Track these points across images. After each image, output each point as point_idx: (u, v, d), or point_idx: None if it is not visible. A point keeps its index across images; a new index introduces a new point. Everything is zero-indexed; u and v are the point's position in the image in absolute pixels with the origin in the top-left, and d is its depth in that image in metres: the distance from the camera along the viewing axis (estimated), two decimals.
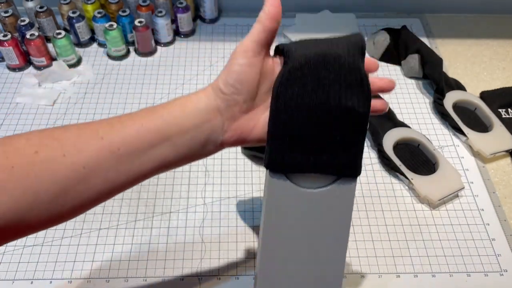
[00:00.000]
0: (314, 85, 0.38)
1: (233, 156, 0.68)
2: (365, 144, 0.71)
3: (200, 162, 0.68)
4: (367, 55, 0.43)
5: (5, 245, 0.58)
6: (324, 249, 0.42)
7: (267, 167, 0.39)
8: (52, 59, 0.82)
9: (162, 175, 0.66)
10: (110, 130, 0.36)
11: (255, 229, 0.60)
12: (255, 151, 0.47)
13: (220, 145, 0.40)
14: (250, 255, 0.58)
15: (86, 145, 0.35)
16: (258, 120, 0.40)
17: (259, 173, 0.67)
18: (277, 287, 0.42)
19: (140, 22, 0.81)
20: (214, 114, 0.38)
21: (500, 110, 0.75)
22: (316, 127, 0.38)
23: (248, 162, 0.68)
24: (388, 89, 0.42)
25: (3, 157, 0.33)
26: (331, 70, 0.38)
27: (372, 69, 0.41)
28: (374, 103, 0.40)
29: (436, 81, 0.76)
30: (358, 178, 0.40)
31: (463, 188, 0.64)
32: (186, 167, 0.68)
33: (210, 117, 0.38)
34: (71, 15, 0.82)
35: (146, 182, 0.65)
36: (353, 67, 0.38)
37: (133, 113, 0.38)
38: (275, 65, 0.40)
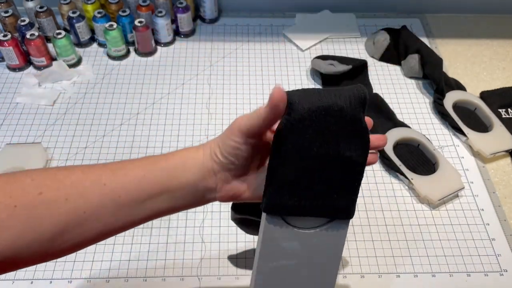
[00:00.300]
0: (315, 135, 0.39)
1: None
2: None
3: None
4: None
5: None
6: (314, 285, 0.44)
7: (264, 210, 0.41)
8: (52, 59, 0.82)
9: None
10: (113, 177, 0.37)
11: None
12: (247, 214, 0.48)
13: (214, 200, 0.42)
14: (250, 255, 0.58)
15: (89, 191, 0.37)
16: (250, 184, 0.41)
17: None
18: None
19: (140, 22, 0.81)
20: (209, 174, 0.40)
21: (500, 110, 0.75)
22: (314, 174, 0.40)
23: None
24: (383, 145, 0.44)
25: (7, 196, 0.34)
26: (332, 122, 0.39)
27: (381, 144, 0.44)
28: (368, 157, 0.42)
29: (436, 81, 0.76)
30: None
31: (463, 188, 0.64)
32: None
33: (206, 176, 0.39)
34: (71, 15, 0.82)
35: None
36: (354, 119, 0.39)
37: (136, 161, 0.40)
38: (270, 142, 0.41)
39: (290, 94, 0.39)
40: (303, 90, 0.40)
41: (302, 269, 0.44)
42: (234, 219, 0.53)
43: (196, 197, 0.41)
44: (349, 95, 0.40)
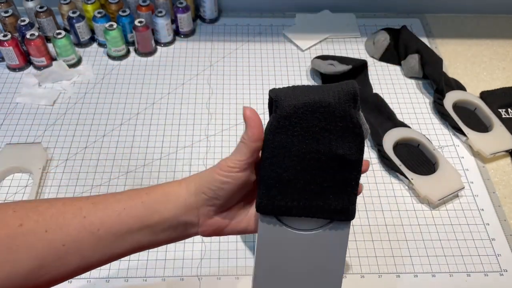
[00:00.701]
0: (303, 133, 0.38)
1: None
2: (365, 144, 0.71)
3: (201, 162, 0.68)
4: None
5: None
6: None
7: (257, 209, 0.40)
8: (52, 59, 0.82)
9: (163, 175, 0.66)
10: (93, 209, 0.37)
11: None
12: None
13: (196, 234, 0.42)
14: (250, 255, 0.58)
15: (68, 223, 0.37)
16: (233, 218, 0.42)
17: None
18: None
19: (140, 22, 0.81)
20: (191, 209, 0.40)
21: (500, 110, 0.75)
22: (305, 173, 0.39)
23: None
24: (364, 170, 0.42)
25: None
26: (320, 118, 0.38)
27: (363, 170, 0.41)
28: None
29: (436, 81, 0.76)
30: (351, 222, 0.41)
31: (463, 188, 0.64)
32: (186, 167, 0.68)
33: (188, 211, 0.40)
34: (71, 15, 0.82)
35: (146, 182, 0.66)
36: (344, 114, 0.38)
37: (117, 194, 0.39)
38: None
39: (277, 91, 0.39)
40: (292, 87, 0.40)
41: (303, 274, 0.42)
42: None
43: (177, 232, 0.40)
44: (338, 91, 0.38)
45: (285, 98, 0.38)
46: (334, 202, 0.40)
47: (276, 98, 0.38)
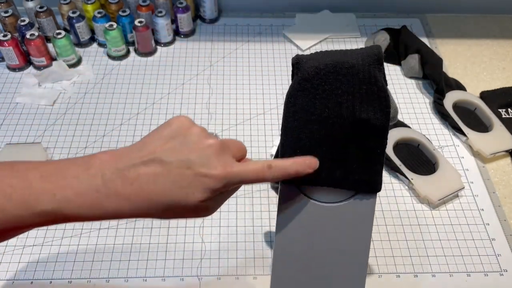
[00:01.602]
0: (325, 96, 0.36)
1: None
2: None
3: None
4: None
5: (5, 245, 0.58)
6: (341, 267, 0.39)
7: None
8: (52, 59, 0.82)
9: None
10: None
11: (255, 229, 0.60)
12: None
13: None
14: (250, 255, 0.58)
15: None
16: None
17: None
18: None
19: (140, 22, 0.81)
20: None
21: (500, 110, 0.75)
22: (328, 139, 0.36)
23: None
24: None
25: None
26: (343, 81, 0.35)
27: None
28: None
29: (436, 81, 0.76)
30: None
31: (463, 188, 0.64)
32: None
33: None
34: (71, 15, 0.82)
35: None
36: (368, 76, 0.35)
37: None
38: None
39: (299, 56, 0.37)
40: (315, 52, 0.38)
41: (325, 250, 0.39)
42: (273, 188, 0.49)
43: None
44: (362, 53, 0.37)
45: (307, 61, 0.36)
46: (359, 171, 0.37)
47: (298, 61, 0.37)
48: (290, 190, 0.38)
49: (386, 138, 0.37)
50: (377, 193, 0.38)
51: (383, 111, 0.36)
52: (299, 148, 0.37)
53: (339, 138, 0.36)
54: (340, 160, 0.37)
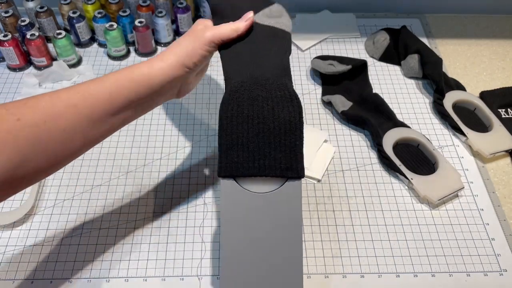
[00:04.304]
0: (250, 102, 0.45)
1: None
2: (365, 144, 0.72)
3: (201, 162, 0.68)
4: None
5: (6, 245, 0.59)
6: (280, 249, 0.45)
7: (218, 175, 0.45)
8: (52, 59, 0.82)
9: (163, 175, 0.66)
10: (82, 99, 0.43)
11: None
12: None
13: (172, 97, 0.53)
14: None
15: (63, 112, 0.41)
16: (198, 76, 0.57)
17: None
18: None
19: (140, 22, 0.81)
20: (174, 80, 0.48)
21: (499, 110, 0.75)
22: (256, 137, 0.45)
23: None
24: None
25: None
26: (262, 89, 0.46)
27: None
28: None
29: (436, 81, 0.76)
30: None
31: (463, 188, 0.64)
32: (187, 167, 0.68)
33: (171, 83, 0.48)
34: (72, 15, 0.82)
35: (146, 182, 0.66)
36: (280, 84, 0.46)
37: (102, 79, 0.45)
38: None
39: (228, 70, 0.48)
40: (239, 63, 0.49)
41: (265, 233, 0.45)
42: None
43: (157, 102, 0.50)
44: (274, 67, 0.48)
45: (233, 77, 0.47)
46: (284, 161, 0.45)
47: (227, 76, 0.48)
48: (229, 184, 0.45)
49: (302, 132, 0.45)
50: (301, 179, 0.46)
51: (296, 111, 0.45)
52: (234, 145, 0.45)
53: (265, 134, 0.45)
54: (268, 152, 0.45)
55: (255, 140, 0.44)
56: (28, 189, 0.64)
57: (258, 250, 0.45)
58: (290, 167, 0.45)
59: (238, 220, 0.45)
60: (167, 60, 0.47)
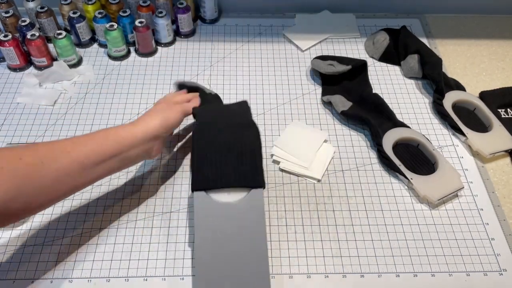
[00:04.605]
0: (217, 128, 0.56)
1: None
2: (365, 144, 0.72)
3: None
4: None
5: (6, 244, 0.59)
6: (247, 250, 0.51)
7: (192, 189, 0.53)
8: (52, 59, 0.82)
9: (163, 175, 0.66)
10: (75, 147, 0.50)
11: None
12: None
13: (150, 158, 0.60)
14: None
15: (59, 156, 0.48)
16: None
17: None
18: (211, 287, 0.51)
19: (140, 22, 0.81)
20: (151, 143, 0.57)
21: (499, 110, 0.75)
22: (224, 156, 0.54)
23: None
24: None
25: None
26: (228, 118, 0.57)
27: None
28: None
29: (436, 81, 0.77)
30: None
31: (463, 188, 0.64)
32: (187, 167, 0.68)
33: (150, 144, 0.57)
34: (72, 15, 0.82)
35: (146, 182, 0.66)
36: (243, 115, 0.59)
37: (93, 134, 0.54)
38: None
39: (196, 110, 0.60)
40: (205, 106, 0.62)
41: (234, 239, 0.51)
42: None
43: (139, 158, 0.57)
44: (237, 104, 0.61)
45: (202, 112, 0.59)
46: (247, 174, 0.53)
47: (197, 113, 0.60)
48: (201, 196, 0.52)
49: (261, 151, 0.55)
50: (263, 189, 0.53)
51: (255, 135, 0.56)
52: (204, 164, 0.54)
53: (232, 152, 0.54)
54: (234, 167, 0.53)
55: (222, 159, 0.53)
56: None
57: (228, 252, 0.50)
58: (252, 179, 0.53)
59: (210, 227, 0.51)
60: (139, 125, 0.57)
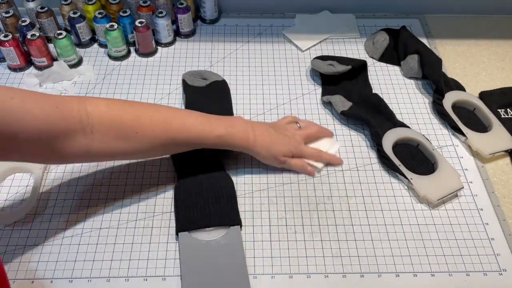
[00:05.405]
0: (196, 182, 0.63)
1: (233, 157, 0.68)
2: (365, 144, 0.72)
3: None
4: None
5: (6, 244, 0.59)
6: (230, 283, 0.55)
7: (176, 231, 0.59)
8: (53, 59, 0.82)
9: (163, 176, 0.66)
10: (177, 135, 0.58)
11: (255, 228, 0.61)
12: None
13: None
14: (250, 254, 0.58)
15: (159, 133, 0.57)
16: None
17: (259, 170, 0.67)
18: None
19: (140, 22, 0.81)
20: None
21: (499, 110, 0.75)
22: (204, 200, 0.61)
23: (244, 163, 0.68)
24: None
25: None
26: (209, 176, 0.64)
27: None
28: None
29: (435, 82, 0.77)
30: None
31: (462, 188, 0.64)
32: None
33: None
34: (72, 15, 0.82)
35: (146, 182, 0.66)
36: (219, 170, 0.66)
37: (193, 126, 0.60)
38: None
39: (180, 174, 0.65)
40: (192, 178, 0.65)
41: (217, 273, 0.55)
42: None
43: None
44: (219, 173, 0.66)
45: (184, 177, 0.64)
46: (224, 214, 0.60)
47: (180, 176, 0.65)
48: (185, 236, 0.58)
49: (235, 195, 0.63)
50: (239, 226, 0.60)
51: (229, 183, 0.64)
52: (186, 208, 0.61)
53: (210, 196, 0.61)
54: (212, 210, 0.60)
55: (202, 203, 0.60)
56: (29, 189, 0.64)
57: (213, 283, 0.55)
58: (229, 218, 0.60)
59: (194, 263, 0.56)
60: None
